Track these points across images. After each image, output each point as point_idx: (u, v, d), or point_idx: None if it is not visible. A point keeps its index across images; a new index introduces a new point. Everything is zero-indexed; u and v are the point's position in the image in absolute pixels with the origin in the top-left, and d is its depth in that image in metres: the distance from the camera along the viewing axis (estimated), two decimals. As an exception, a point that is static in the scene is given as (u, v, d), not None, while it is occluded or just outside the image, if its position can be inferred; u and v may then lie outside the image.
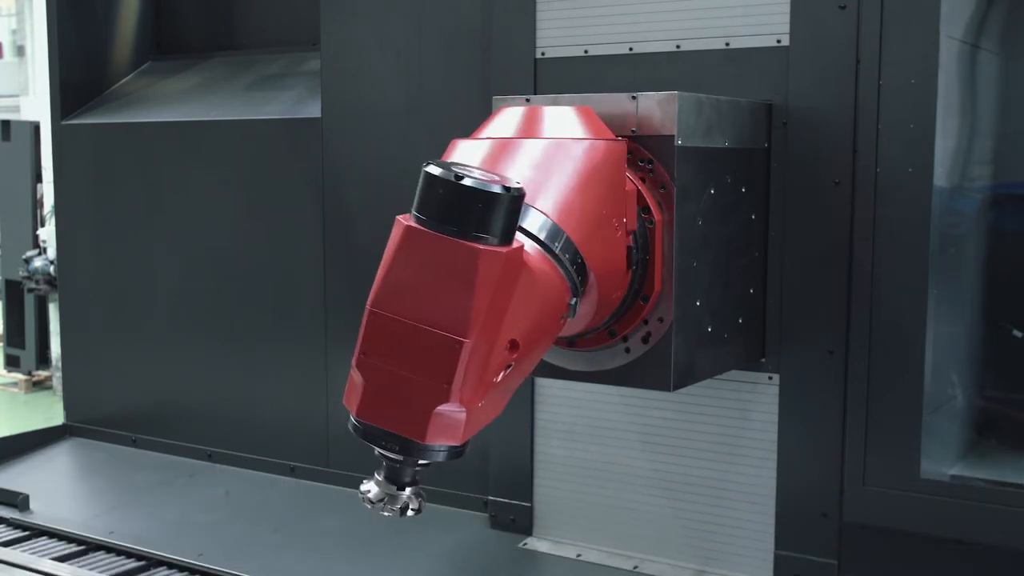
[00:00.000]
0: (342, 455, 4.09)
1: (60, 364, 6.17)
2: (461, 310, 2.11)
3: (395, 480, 2.27)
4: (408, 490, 2.28)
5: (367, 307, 2.16)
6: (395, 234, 2.16)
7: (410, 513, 2.29)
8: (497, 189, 2.11)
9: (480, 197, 2.10)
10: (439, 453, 2.22)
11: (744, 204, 3.00)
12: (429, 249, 2.11)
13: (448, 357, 2.12)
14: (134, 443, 4.71)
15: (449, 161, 2.26)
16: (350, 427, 2.24)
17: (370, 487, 2.29)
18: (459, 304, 2.11)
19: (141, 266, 4.66)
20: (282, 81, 4.49)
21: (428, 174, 2.12)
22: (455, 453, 2.24)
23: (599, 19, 3.35)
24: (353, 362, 2.19)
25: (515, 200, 2.13)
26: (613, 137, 2.60)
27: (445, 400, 2.14)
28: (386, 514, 2.29)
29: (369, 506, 2.29)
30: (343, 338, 4.08)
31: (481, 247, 2.10)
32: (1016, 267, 3.54)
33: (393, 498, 2.28)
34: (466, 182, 2.10)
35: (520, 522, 3.64)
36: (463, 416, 2.17)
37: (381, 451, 2.25)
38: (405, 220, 2.14)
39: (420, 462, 2.24)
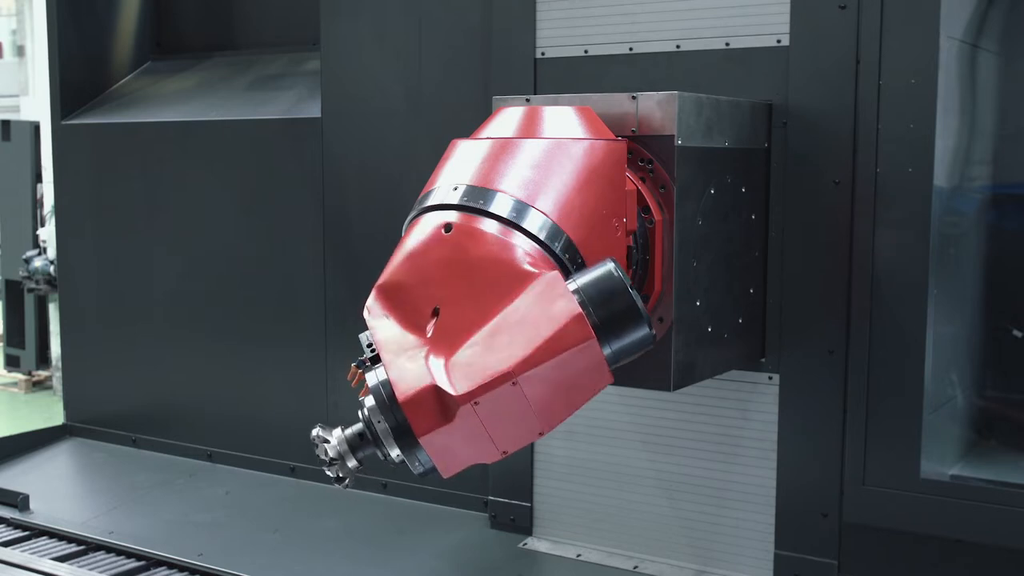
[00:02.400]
0: (342, 455, 4.09)
1: (60, 364, 6.17)
2: (563, 413, 2.24)
3: (354, 451, 2.32)
4: (357, 465, 2.33)
5: (508, 369, 2.15)
6: (576, 334, 2.18)
7: (339, 482, 2.33)
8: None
9: (648, 345, 2.29)
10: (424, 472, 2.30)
11: (744, 204, 3.00)
12: (587, 361, 2.20)
13: (525, 438, 2.25)
14: (134, 443, 4.71)
15: (633, 289, 2.30)
16: (375, 393, 2.23)
17: (332, 441, 2.31)
18: (566, 408, 2.24)
19: (141, 266, 4.66)
20: (282, 81, 4.49)
21: (632, 307, 2.25)
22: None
23: (599, 19, 3.35)
24: (456, 394, 2.16)
25: None
26: (613, 137, 2.60)
27: (493, 461, 2.26)
28: (328, 472, 2.33)
29: (321, 454, 2.32)
30: (343, 338, 4.08)
31: (611, 372, 2.24)
32: (1016, 267, 3.54)
33: (343, 462, 2.32)
34: (647, 327, 2.25)
35: (520, 522, 3.64)
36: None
37: (377, 438, 2.26)
38: (592, 336, 2.19)
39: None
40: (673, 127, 2.64)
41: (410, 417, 2.18)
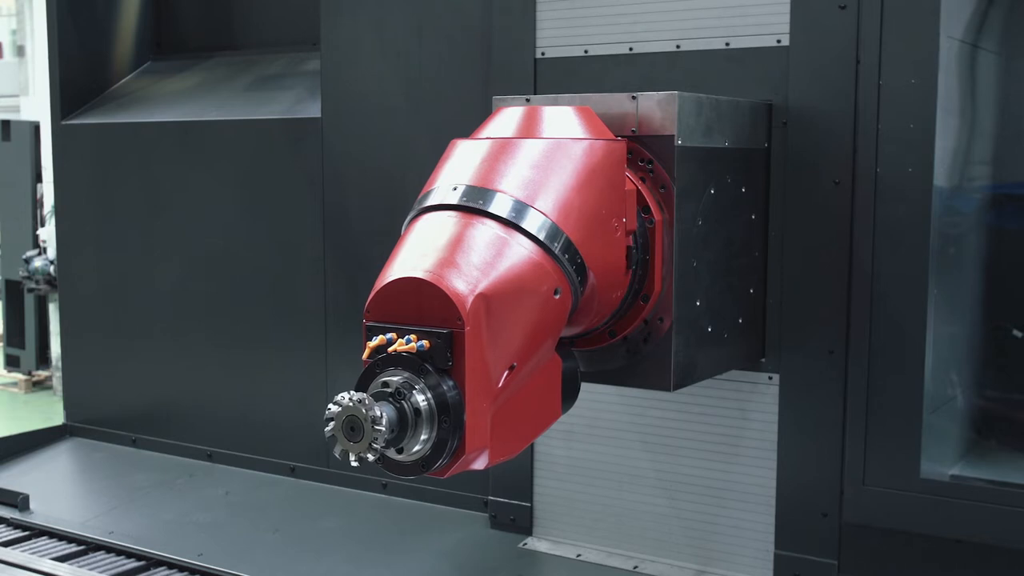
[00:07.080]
0: (342, 455, 4.09)
1: (60, 364, 6.17)
2: None
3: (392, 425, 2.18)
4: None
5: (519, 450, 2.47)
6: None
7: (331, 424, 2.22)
8: None
9: None
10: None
11: (744, 204, 3.00)
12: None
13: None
14: (134, 443, 4.71)
15: None
16: (454, 406, 2.21)
17: (383, 418, 2.16)
18: None
19: (141, 266, 4.66)
20: (282, 81, 4.49)
21: None
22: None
23: (599, 19, 3.35)
24: (488, 465, 2.34)
25: None
26: (613, 137, 2.60)
27: None
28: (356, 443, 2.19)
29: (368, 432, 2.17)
30: (343, 338, 4.08)
31: None
32: (1016, 267, 3.54)
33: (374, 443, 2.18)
34: None
35: (520, 522, 3.64)
36: None
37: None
38: None
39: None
40: (673, 127, 2.64)
41: (457, 464, 2.25)
